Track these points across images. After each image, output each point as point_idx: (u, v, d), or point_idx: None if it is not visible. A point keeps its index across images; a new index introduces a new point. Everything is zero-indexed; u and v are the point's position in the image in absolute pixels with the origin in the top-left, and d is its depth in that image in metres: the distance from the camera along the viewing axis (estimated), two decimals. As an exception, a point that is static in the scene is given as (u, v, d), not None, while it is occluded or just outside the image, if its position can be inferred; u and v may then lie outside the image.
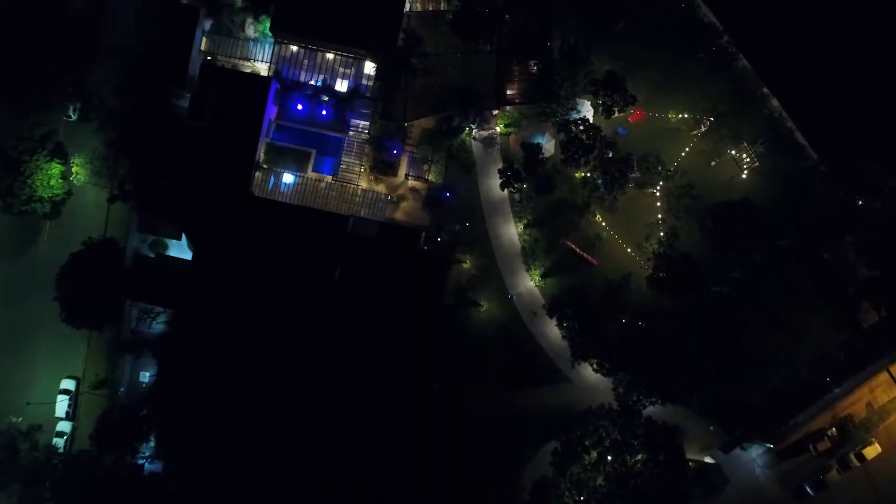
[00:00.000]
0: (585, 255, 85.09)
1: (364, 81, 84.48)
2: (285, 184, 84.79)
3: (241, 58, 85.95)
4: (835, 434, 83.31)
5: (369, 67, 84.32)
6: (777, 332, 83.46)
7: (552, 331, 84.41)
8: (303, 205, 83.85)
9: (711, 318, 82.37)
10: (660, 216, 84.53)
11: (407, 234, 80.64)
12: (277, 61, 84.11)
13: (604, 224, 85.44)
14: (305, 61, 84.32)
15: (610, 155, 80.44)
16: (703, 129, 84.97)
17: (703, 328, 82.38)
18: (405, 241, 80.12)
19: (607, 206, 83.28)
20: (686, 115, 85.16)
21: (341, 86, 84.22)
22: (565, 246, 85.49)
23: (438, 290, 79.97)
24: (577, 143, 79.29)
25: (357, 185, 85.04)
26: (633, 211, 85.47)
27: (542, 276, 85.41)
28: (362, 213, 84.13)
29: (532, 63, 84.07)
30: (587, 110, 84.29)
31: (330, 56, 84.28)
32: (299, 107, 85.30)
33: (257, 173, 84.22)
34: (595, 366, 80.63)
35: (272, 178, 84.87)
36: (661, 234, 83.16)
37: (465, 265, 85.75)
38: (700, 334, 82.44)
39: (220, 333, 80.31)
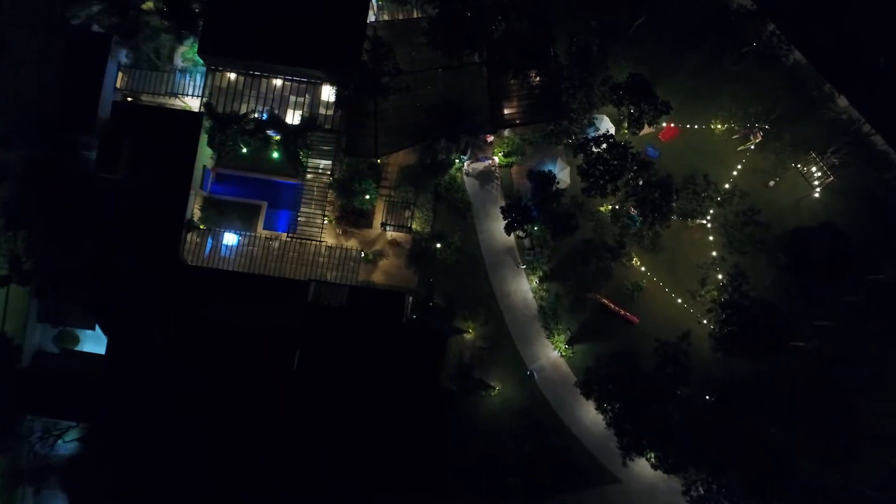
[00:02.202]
0: (623, 312, 65.25)
1: (322, 111, 66.70)
2: (227, 246, 65.79)
3: (167, 94, 68.51)
4: (983, 530, 61.50)
5: (327, 93, 66.78)
6: (888, 397, 62.86)
7: (589, 415, 63.77)
8: (250, 272, 64.57)
9: (801, 384, 61.84)
10: (714, 253, 65.22)
11: (387, 301, 60.94)
12: (211, 93, 66.50)
13: (644, 269, 65.97)
14: (247, 91, 66.74)
15: (643, 180, 61.81)
16: (755, 139, 66.77)
17: (792, 398, 61.65)
18: (385, 310, 60.32)
19: (647, 244, 64.14)
20: (733, 125, 67.06)
21: (293, 118, 66.31)
22: (596, 301, 65.78)
23: (433, 371, 59.64)
24: (602, 166, 60.78)
25: (320, 241, 65.99)
26: (679, 250, 66.23)
27: (569, 344, 65.33)
28: (329, 277, 64.75)
29: (533, 74, 66.53)
30: (607, 126, 66.26)
31: (277, 82, 66.87)
32: (244, 150, 67.13)
33: (190, 235, 65.28)
34: (653, 460, 59.58)
35: (210, 240, 65.87)
36: (720, 276, 63.68)
37: (467, 336, 65.82)
38: (789, 406, 61.58)
39: (147, 450, 59.71)
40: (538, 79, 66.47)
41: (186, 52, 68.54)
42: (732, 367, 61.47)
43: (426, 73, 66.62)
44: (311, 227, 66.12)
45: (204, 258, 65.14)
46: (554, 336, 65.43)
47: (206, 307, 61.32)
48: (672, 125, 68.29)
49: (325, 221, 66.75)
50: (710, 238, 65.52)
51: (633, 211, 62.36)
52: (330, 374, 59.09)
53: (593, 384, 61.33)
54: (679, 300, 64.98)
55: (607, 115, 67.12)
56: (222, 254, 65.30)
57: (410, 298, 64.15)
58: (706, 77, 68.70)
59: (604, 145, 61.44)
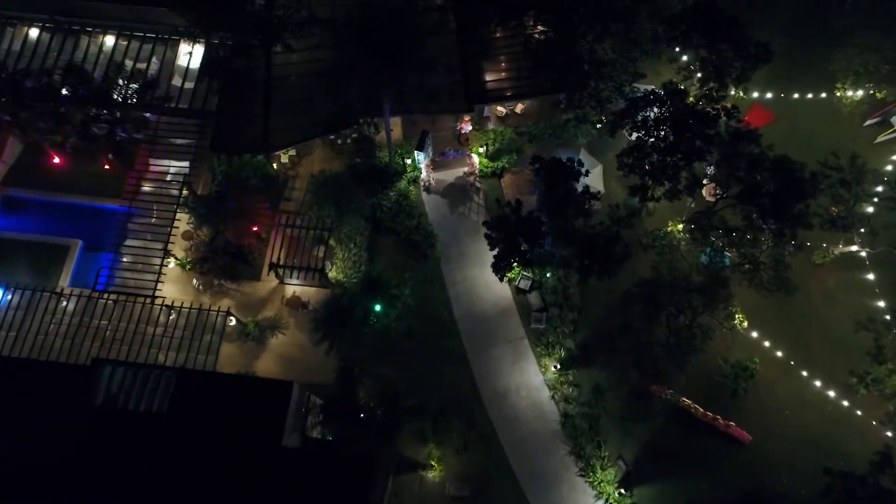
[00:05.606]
0: (723, 423, 34.32)
1: (178, 80, 39.75)
2: (-20, 310, 36.02)
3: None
4: None
5: (187, 52, 40.16)
6: None
7: None
8: (12, 356, 34.35)
9: None
10: (883, 303, 35.50)
11: (252, 400, 29.75)
12: (-9, 55, 39.94)
13: (755, 335, 35.82)
14: (54, 52, 40.18)
15: (743, 162, 33.47)
16: (905, 118, 39.62)
17: None
18: (249, 419, 29.15)
19: (766, 285, 34.06)
20: (873, 91, 40.16)
21: (130, 94, 38.94)
22: (670, 401, 35.04)
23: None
24: (672, 139, 32.69)
25: (153, 299, 36.21)
26: (805, 305, 36.55)
27: (625, 487, 33.78)
28: (165, 361, 34.35)
29: (530, 18, 40.15)
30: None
31: (108, 40, 40.45)
32: (55, 160, 39.54)
33: (-87, 291, 35.76)
34: None
35: (-50, 299, 36.22)
36: (902, 344, 33.64)
37: (429, 474, 34.43)
38: None
39: None
40: (538, 25, 40.02)
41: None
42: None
43: (355, 22, 40.28)
44: (142, 271, 36.66)
45: (-66, 332, 35.11)
46: (595, 472, 34.05)
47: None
48: (761, 108, 41.60)
49: (171, 265, 37.43)
50: (870, 276, 36.11)
51: (741, 223, 33.16)
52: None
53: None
54: (831, 394, 34.29)
55: (654, 86, 40.25)
56: (-31, 324, 35.32)
57: (316, 400, 33.40)
58: (804, 30, 43.06)
59: (667, 107, 33.73)
